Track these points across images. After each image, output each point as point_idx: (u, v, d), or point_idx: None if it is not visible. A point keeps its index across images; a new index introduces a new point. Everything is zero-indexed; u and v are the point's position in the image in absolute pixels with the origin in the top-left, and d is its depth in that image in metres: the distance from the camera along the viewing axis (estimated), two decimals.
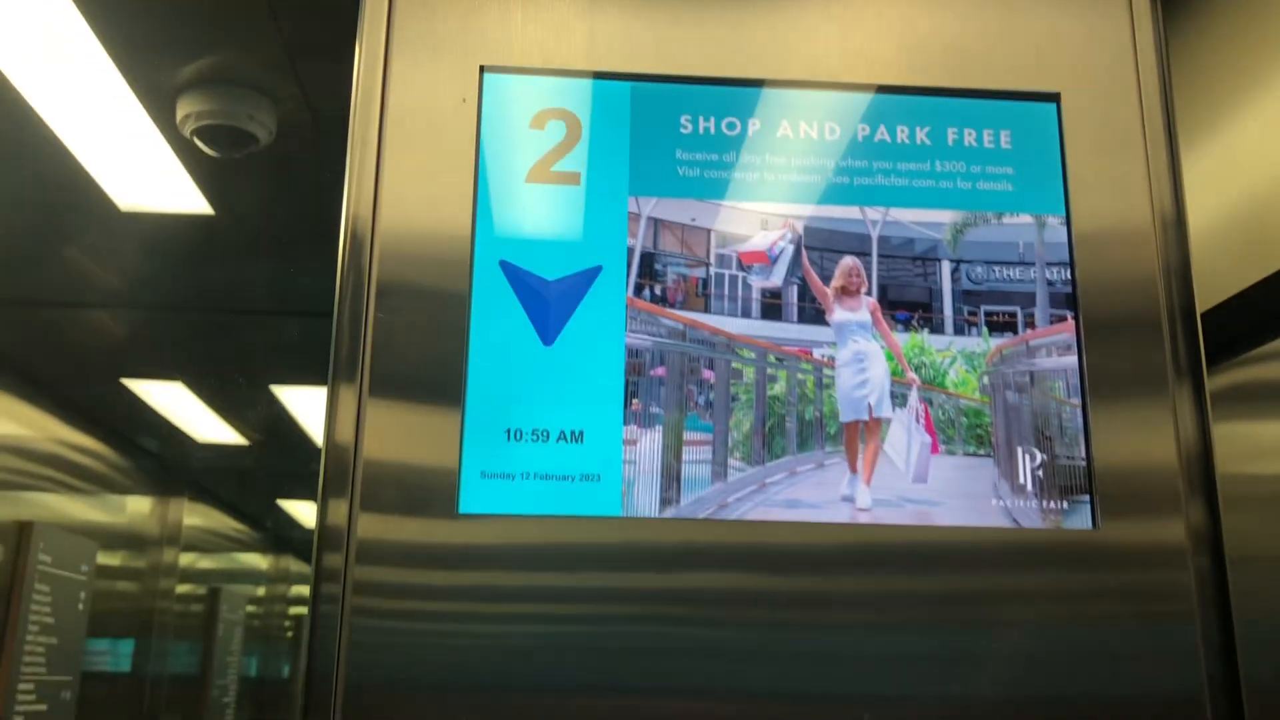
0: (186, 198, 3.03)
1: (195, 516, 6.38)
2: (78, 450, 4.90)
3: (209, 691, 6.61)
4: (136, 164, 2.84)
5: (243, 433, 5.42)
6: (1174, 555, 1.05)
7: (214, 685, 6.66)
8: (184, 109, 2.58)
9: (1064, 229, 1.13)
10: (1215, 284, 1.44)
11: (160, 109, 2.59)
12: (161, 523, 5.95)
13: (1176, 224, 1.13)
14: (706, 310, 1.10)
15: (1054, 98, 1.16)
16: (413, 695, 0.99)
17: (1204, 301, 1.49)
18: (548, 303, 1.08)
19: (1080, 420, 1.08)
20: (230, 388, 4.90)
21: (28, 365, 4.35)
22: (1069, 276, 1.12)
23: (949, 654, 1.02)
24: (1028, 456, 1.07)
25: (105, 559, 5.04)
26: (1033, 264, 1.12)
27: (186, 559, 6.26)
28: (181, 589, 6.21)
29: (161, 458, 5.78)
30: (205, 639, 6.69)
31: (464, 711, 0.99)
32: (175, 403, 4.95)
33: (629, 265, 1.10)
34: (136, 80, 2.48)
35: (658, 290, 1.10)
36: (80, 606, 4.72)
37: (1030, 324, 1.11)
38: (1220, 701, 1.02)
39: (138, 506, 5.64)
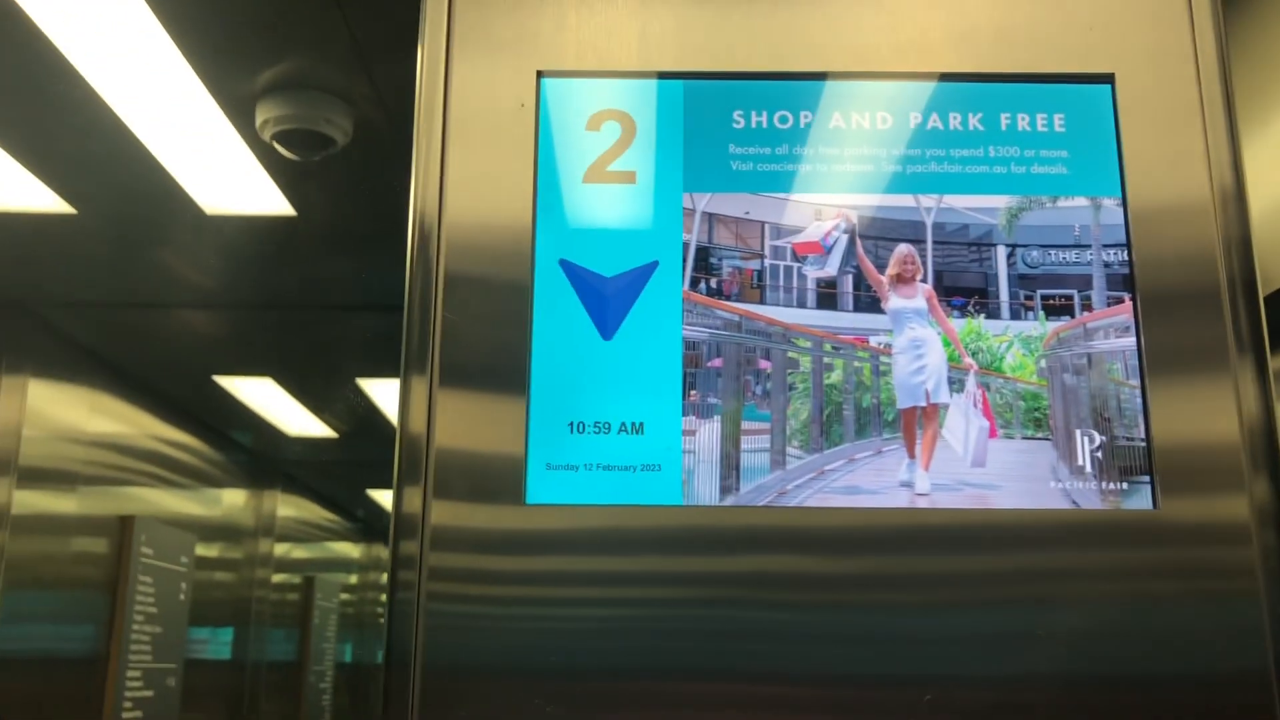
0: (269, 199, 3.13)
1: (288, 508, 6.57)
2: (174, 446, 5.08)
3: (306, 677, 6.81)
4: (221, 168, 2.94)
5: (332, 425, 5.57)
6: (1237, 533, 1.05)
7: (311, 670, 6.85)
8: (263, 114, 2.67)
9: (1120, 210, 1.12)
10: None
11: (241, 115, 2.68)
12: (256, 514, 6.13)
13: (1237, 199, 1.12)
14: (762, 301, 1.12)
15: (1108, 79, 1.15)
16: (487, 679, 1.03)
17: None
18: (606, 298, 1.11)
19: (1139, 401, 1.08)
20: (318, 382, 5.03)
21: (124, 365, 4.52)
22: (1126, 258, 1.12)
23: (1009, 635, 1.03)
24: (1086, 438, 1.08)
25: (204, 550, 5.22)
26: (1089, 246, 1.12)
27: (281, 549, 6.45)
28: (277, 578, 6.40)
29: (254, 451, 5.96)
30: (301, 626, 6.89)
31: (536, 694, 1.03)
32: (266, 398, 5.10)
33: (685, 260, 1.12)
34: (218, 88, 2.57)
35: (713, 283, 1.12)
36: (181, 597, 4.90)
37: (1087, 306, 1.11)
38: None
39: (233, 499, 5.82)
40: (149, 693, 4.57)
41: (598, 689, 1.03)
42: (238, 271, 3.76)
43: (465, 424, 1.08)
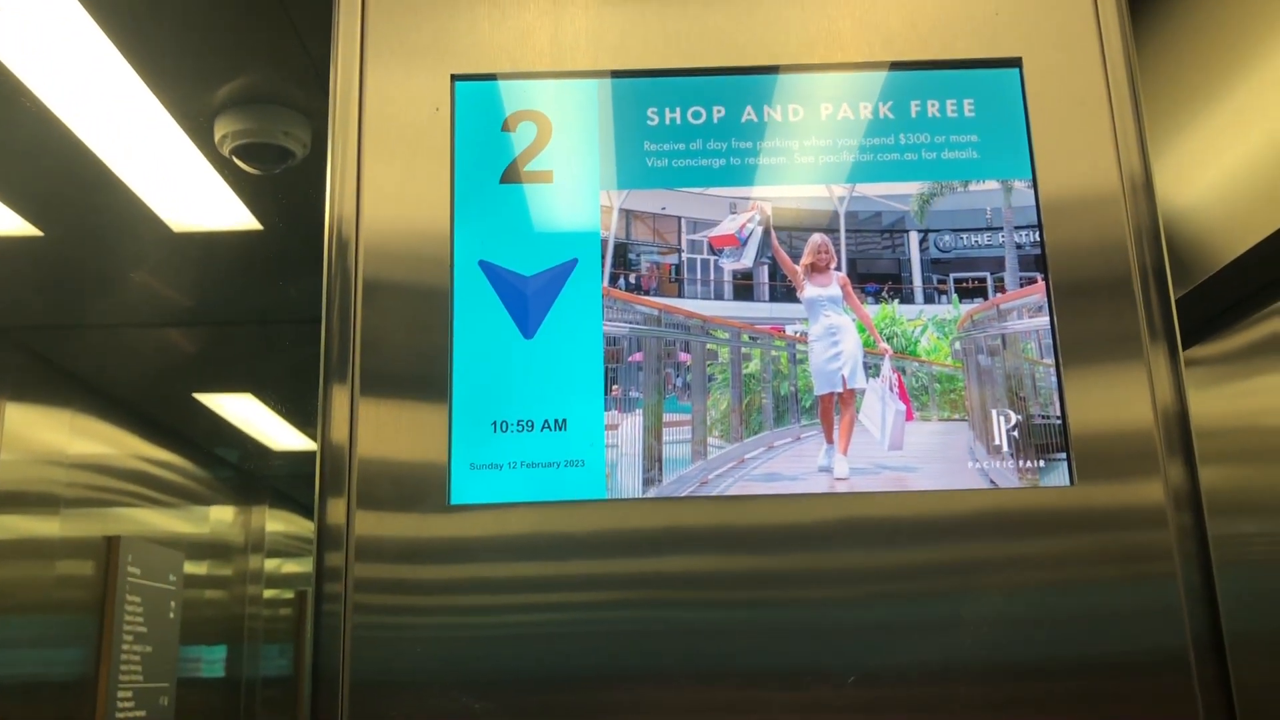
0: (235, 213, 3.14)
1: (277, 523, 6.57)
2: (159, 465, 5.08)
3: (303, 691, 6.77)
4: (183, 184, 2.95)
5: (315, 438, 5.56)
6: (1153, 510, 1.06)
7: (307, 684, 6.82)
8: (221, 129, 2.68)
9: (1030, 192, 1.14)
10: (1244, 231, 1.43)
11: (199, 130, 2.69)
12: (245, 530, 6.14)
13: (1145, 183, 1.13)
14: (680, 295, 1.13)
15: (1016, 63, 1.17)
16: (415, 689, 1.03)
17: (1231, 251, 1.48)
18: (526, 298, 1.13)
19: (1053, 380, 1.10)
20: (300, 396, 5.04)
21: (103, 385, 4.52)
22: (1037, 239, 1.13)
23: (931, 618, 1.04)
24: (1002, 418, 1.09)
25: (193, 568, 5.22)
26: (1000, 229, 1.14)
27: (272, 564, 6.45)
28: (269, 594, 6.39)
29: (239, 467, 5.96)
30: (296, 641, 6.88)
31: (465, 703, 1.03)
32: (248, 413, 5.10)
33: (604, 256, 1.14)
34: (175, 105, 2.59)
35: (632, 279, 1.14)
36: (171, 615, 4.90)
37: (1000, 288, 1.12)
38: (1205, 657, 1.03)
39: (220, 515, 5.82)
40: (141, 713, 4.57)
41: (525, 695, 1.03)
42: (213, 287, 3.77)
43: (388, 430, 1.09)
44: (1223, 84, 1.49)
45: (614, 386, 1.11)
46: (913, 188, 1.15)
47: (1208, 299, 1.59)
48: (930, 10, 1.18)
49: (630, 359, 1.12)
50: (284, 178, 2.86)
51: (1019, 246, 1.13)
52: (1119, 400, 1.08)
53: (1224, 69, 1.49)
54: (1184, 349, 1.07)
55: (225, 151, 2.72)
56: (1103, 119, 1.15)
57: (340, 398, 1.10)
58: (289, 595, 6.81)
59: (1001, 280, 1.12)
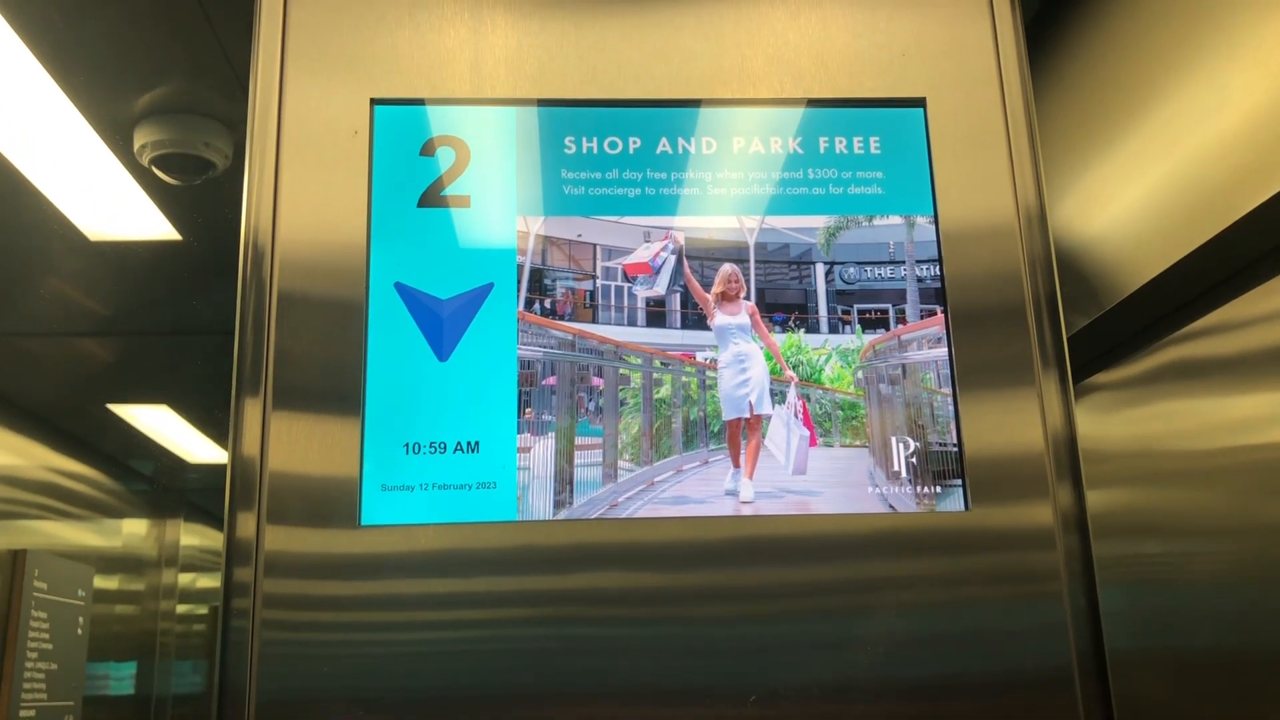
0: (153, 223, 3.09)
1: (192, 536, 6.44)
2: (70, 477, 4.97)
3: (214, 709, 6.63)
4: (102, 194, 2.90)
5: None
6: (1043, 534, 1.11)
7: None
8: (140, 139, 2.65)
9: (932, 228, 1.18)
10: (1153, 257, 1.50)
11: (118, 140, 2.65)
12: (159, 544, 6.01)
13: (1040, 218, 1.19)
14: (594, 321, 1.16)
15: (920, 103, 1.21)
16: (323, 707, 1.04)
17: (1131, 283, 1.55)
18: (442, 320, 1.14)
19: (951, 408, 1.14)
20: (216, 408, 4.96)
21: (10, 395, 4.41)
22: (938, 273, 1.17)
23: (830, 637, 1.07)
24: (901, 445, 1.13)
25: (103, 583, 5.10)
26: (903, 262, 1.18)
27: (185, 579, 6.32)
28: (181, 609, 6.26)
29: (154, 480, 5.84)
30: (210, 658, 6.74)
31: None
32: (163, 425, 5.01)
33: (519, 281, 1.16)
34: (94, 114, 2.55)
35: (547, 304, 1.16)
36: (80, 631, 4.78)
37: (901, 319, 1.17)
38: (1089, 674, 1.08)
39: (133, 529, 5.70)
40: None
41: (433, 714, 1.04)
42: (131, 297, 3.71)
43: (300, 447, 1.09)
44: (1124, 124, 1.56)
45: (527, 409, 1.13)
46: (820, 221, 1.19)
47: (1110, 328, 1.65)
48: (840, 50, 1.22)
49: (544, 382, 1.14)
50: (205, 188, 2.83)
51: (920, 280, 1.18)
52: (1012, 426, 1.13)
53: (1124, 111, 1.56)
54: (1087, 376, 1.13)
55: (145, 161, 2.68)
56: (1001, 156, 1.20)
57: (252, 411, 1.10)
58: (203, 611, 6.68)
59: (903, 312, 1.17)
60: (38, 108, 2.48)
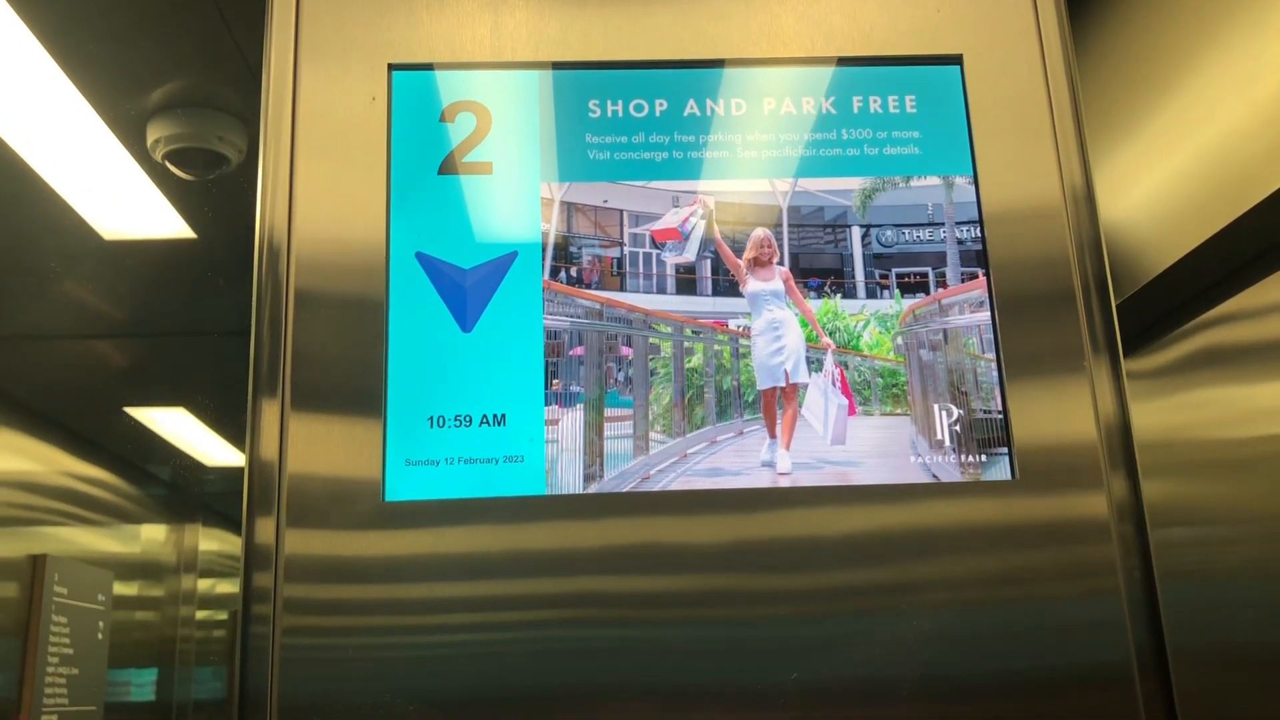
0: (168, 222, 3.07)
1: (211, 541, 6.43)
2: (87, 481, 4.95)
3: (234, 714, 6.62)
4: (116, 191, 2.88)
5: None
6: (1097, 525, 1.05)
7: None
8: (154, 134, 2.62)
9: (971, 188, 1.14)
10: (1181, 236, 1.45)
11: (131, 135, 2.63)
12: (177, 549, 6.00)
13: (1087, 197, 1.13)
14: (622, 289, 1.12)
15: (957, 60, 1.17)
16: (346, 713, 0.99)
17: (1162, 262, 1.50)
18: (465, 290, 1.10)
19: (995, 374, 1.09)
20: (234, 410, 4.94)
21: (27, 399, 4.40)
22: (978, 234, 1.13)
23: (873, 627, 1.03)
24: (944, 412, 1.09)
25: (122, 589, 5.08)
26: (942, 224, 1.14)
27: (205, 584, 6.31)
28: (201, 615, 6.25)
29: (172, 484, 5.83)
30: (229, 663, 6.73)
31: None
32: (181, 428, 4.99)
33: (544, 249, 1.12)
34: (107, 109, 2.53)
35: (573, 272, 1.12)
36: (100, 636, 4.77)
37: (942, 283, 1.12)
38: (1149, 670, 1.02)
39: (152, 534, 5.69)
40: None
41: (463, 714, 0.99)
42: (147, 297, 3.69)
43: (319, 448, 1.04)
44: (1159, 96, 1.52)
45: (554, 381, 1.09)
46: (855, 183, 1.15)
47: (1140, 310, 1.60)
48: (872, 6, 1.18)
49: (571, 353, 1.10)
50: (219, 184, 2.80)
51: (960, 242, 1.13)
52: (1061, 411, 1.08)
53: (1160, 81, 1.52)
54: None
55: (158, 157, 2.66)
56: (1043, 121, 1.15)
57: (270, 412, 1.06)
58: (222, 616, 6.66)
59: (943, 275, 1.12)
60: (51, 104, 2.46)
